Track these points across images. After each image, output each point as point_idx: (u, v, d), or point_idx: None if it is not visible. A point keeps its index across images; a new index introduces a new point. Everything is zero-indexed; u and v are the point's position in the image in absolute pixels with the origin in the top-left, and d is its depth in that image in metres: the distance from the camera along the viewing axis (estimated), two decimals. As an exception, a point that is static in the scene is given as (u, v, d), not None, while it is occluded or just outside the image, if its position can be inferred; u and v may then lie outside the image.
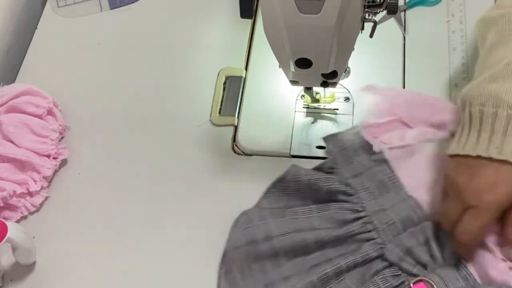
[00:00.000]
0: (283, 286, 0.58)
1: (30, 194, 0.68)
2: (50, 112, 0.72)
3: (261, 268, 0.60)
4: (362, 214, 0.59)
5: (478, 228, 0.52)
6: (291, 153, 0.68)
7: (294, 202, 0.63)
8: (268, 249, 0.59)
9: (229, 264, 0.61)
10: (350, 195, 0.61)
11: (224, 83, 0.74)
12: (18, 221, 0.67)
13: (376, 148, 0.63)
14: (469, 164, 0.52)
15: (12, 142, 0.69)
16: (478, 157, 0.51)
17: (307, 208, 0.61)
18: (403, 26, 0.75)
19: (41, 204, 0.68)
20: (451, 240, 0.55)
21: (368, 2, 0.53)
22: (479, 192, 0.51)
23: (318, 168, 0.64)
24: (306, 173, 0.62)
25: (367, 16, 0.54)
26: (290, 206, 0.62)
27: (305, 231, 0.59)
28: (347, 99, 0.71)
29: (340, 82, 0.70)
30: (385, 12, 0.54)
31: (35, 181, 0.67)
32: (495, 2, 0.73)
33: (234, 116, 0.72)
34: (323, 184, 0.61)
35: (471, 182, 0.51)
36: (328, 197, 0.61)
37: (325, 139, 0.66)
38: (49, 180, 0.69)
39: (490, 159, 0.51)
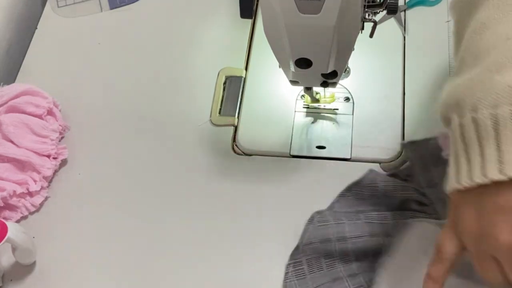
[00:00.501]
0: (351, 282, 0.58)
1: (30, 194, 0.68)
2: (50, 112, 0.72)
3: (330, 263, 0.60)
4: None
5: None
6: (291, 153, 0.68)
7: (367, 207, 0.62)
8: (341, 249, 0.59)
9: (299, 256, 0.61)
10: (425, 205, 0.60)
11: (224, 83, 0.74)
12: (18, 221, 0.67)
13: (445, 155, 0.58)
14: (468, 206, 0.39)
15: (12, 142, 0.69)
16: (479, 190, 0.38)
17: (382, 214, 0.61)
18: (403, 26, 0.75)
19: (41, 204, 0.68)
20: None
21: (368, 2, 0.53)
22: (500, 243, 0.37)
23: (394, 175, 0.63)
24: (383, 180, 0.61)
25: (367, 16, 0.54)
26: (363, 211, 0.62)
27: (379, 236, 0.59)
28: (347, 99, 0.71)
29: (340, 82, 0.70)
30: (385, 12, 0.54)
31: (35, 181, 0.67)
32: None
33: (234, 116, 0.72)
34: (399, 193, 0.60)
35: (486, 233, 0.38)
36: (402, 205, 0.61)
37: (405, 145, 0.65)
38: (49, 180, 0.69)
39: (495, 184, 0.37)
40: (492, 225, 0.37)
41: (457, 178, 0.40)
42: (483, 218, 0.38)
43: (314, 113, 0.70)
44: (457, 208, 0.41)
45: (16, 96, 0.71)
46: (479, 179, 0.37)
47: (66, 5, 0.84)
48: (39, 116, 0.70)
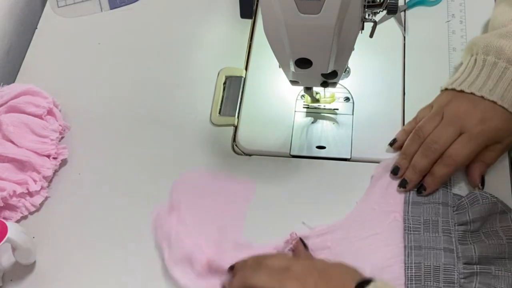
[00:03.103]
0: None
1: (30, 194, 0.68)
2: (50, 112, 0.72)
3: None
4: None
5: (466, 153, 0.60)
6: (291, 153, 0.68)
7: None
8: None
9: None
10: None
11: (224, 83, 0.74)
12: (18, 221, 0.67)
13: None
14: (461, 98, 0.62)
15: (12, 142, 0.69)
16: (472, 94, 0.61)
17: None
18: (403, 26, 0.75)
19: (41, 204, 0.68)
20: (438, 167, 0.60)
21: (368, 2, 0.53)
22: (473, 122, 0.60)
23: None
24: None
25: (367, 16, 0.54)
26: None
27: None
28: (347, 99, 0.71)
29: (340, 82, 0.70)
30: (385, 12, 0.54)
31: (35, 181, 0.67)
32: (495, 2, 0.73)
33: (234, 116, 0.72)
34: None
35: (468, 114, 0.60)
36: None
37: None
38: (49, 180, 0.69)
39: (482, 97, 0.61)
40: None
41: (448, 84, 0.64)
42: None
43: (314, 113, 0.70)
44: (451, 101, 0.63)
45: (16, 96, 0.71)
46: (459, 88, 0.63)
47: (66, 5, 0.84)
48: (39, 116, 0.70)
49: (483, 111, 0.60)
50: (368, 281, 0.50)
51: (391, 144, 0.66)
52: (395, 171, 0.64)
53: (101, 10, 0.83)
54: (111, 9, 0.83)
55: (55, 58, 0.80)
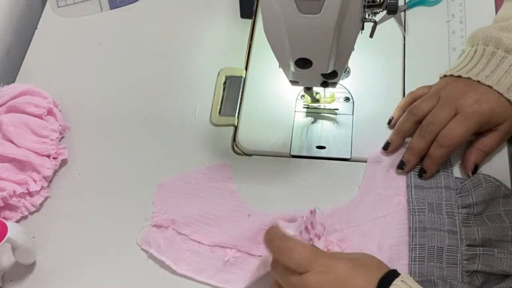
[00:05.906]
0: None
1: (30, 194, 0.68)
2: (50, 112, 0.72)
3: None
4: None
5: (461, 132, 0.60)
6: (291, 153, 0.68)
7: None
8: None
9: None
10: None
11: (224, 83, 0.74)
12: (18, 221, 0.67)
13: None
14: (458, 81, 0.64)
15: (12, 142, 0.69)
16: (469, 78, 0.63)
17: None
18: (403, 26, 0.75)
19: (41, 204, 0.68)
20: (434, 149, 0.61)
21: (368, 2, 0.53)
22: (468, 102, 0.61)
23: None
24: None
25: (367, 16, 0.54)
26: None
27: None
28: (347, 99, 0.71)
29: (340, 82, 0.70)
30: (385, 12, 0.54)
31: (35, 181, 0.67)
32: (494, 3, 0.73)
33: (234, 116, 0.72)
34: None
35: (463, 95, 0.62)
36: None
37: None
38: (49, 180, 0.69)
39: (478, 82, 0.62)
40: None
41: (448, 71, 0.66)
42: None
43: (314, 113, 0.71)
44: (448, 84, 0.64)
45: (16, 96, 0.71)
46: (456, 73, 0.65)
47: (66, 5, 0.84)
48: (39, 116, 0.70)
49: (479, 93, 0.62)
50: (389, 278, 0.48)
51: (388, 123, 0.68)
52: (385, 147, 0.65)
53: (101, 10, 0.83)
54: (111, 9, 0.83)
55: (55, 58, 0.80)
